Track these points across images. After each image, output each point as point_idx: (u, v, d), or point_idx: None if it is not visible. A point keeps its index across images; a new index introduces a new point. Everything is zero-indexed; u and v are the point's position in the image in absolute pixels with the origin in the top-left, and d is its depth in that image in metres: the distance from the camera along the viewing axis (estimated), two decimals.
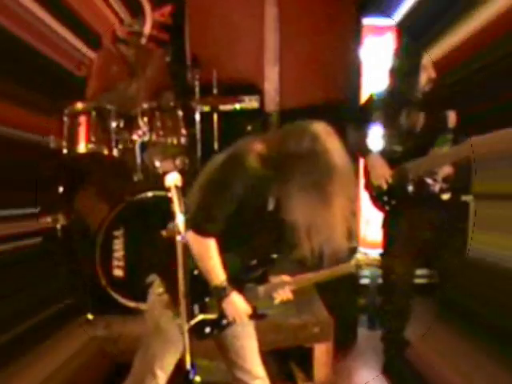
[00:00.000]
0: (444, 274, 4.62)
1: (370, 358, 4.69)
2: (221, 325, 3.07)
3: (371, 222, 5.04)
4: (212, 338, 3.11)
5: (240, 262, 3.03)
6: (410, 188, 4.21)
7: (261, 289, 3.10)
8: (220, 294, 2.97)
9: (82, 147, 4.74)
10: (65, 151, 4.71)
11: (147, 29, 5.82)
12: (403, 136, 4.20)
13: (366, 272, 5.15)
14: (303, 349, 4.40)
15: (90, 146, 4.74)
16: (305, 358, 4.41)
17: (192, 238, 2.89)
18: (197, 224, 2.90)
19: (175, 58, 5.61)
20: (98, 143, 4.73)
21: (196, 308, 3.02)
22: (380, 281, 5.07)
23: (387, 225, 4.49)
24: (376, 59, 4.90)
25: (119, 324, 4.30)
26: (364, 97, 4.95)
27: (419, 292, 4.58)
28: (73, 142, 4.73)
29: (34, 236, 4.23)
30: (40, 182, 4.68)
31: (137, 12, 5.12)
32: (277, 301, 3.14)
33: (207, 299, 3.03)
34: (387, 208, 4.32)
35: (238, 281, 3.02)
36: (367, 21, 4.92)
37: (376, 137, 4.36)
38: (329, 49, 5.93)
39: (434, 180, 4.21)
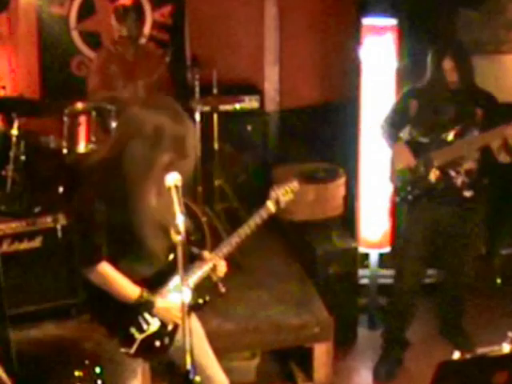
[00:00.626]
0: (452, 274, 4.62)
1: (370, 358, 4.68)
2: (167, 332, 3.01)
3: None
4: (168, 356, 3.08)
5: (157, 264, 2.97)
6: (434, 177, 4.21)
7: (189, 281, 3.02)
8: (146, 307, 2.94)
9: (81, 147, 4.75)
10: (65, 151, 4.71)
11: (147, 29, 5.82)
12: (430, 128, 4.23)
13: (366, 272, 5.14)
14: (303, 349, 4.40)
15: (90, 146, 4.74)
16: (305, 358, 4.41)
17: (88, 273, 2.91)
18: (86, 257, 2.93)
19: (175, 58, 5.61)
20: (98, 143, 4.73)
21: (133, 330, 2.97)
22: (380, 281, 5.07)
23: (403, 219, 4.49)
24: (376, 59, 4.89)
25: None
26: (364, 97, 4.97)
27: (421, 291, 4.57)
28: (73, 141, 4.73)
29: (34, 236, 4.24)
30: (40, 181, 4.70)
31: (123, 17, 5.07)
32: (223, 290, 3.11)
33: (139, 317, 2.97)
34: (410, 198, 4.31)
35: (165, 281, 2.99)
36: (367, 21, 4.90)
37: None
38: (329, 49, 5.94)
39: (457, 172, 4.22)
